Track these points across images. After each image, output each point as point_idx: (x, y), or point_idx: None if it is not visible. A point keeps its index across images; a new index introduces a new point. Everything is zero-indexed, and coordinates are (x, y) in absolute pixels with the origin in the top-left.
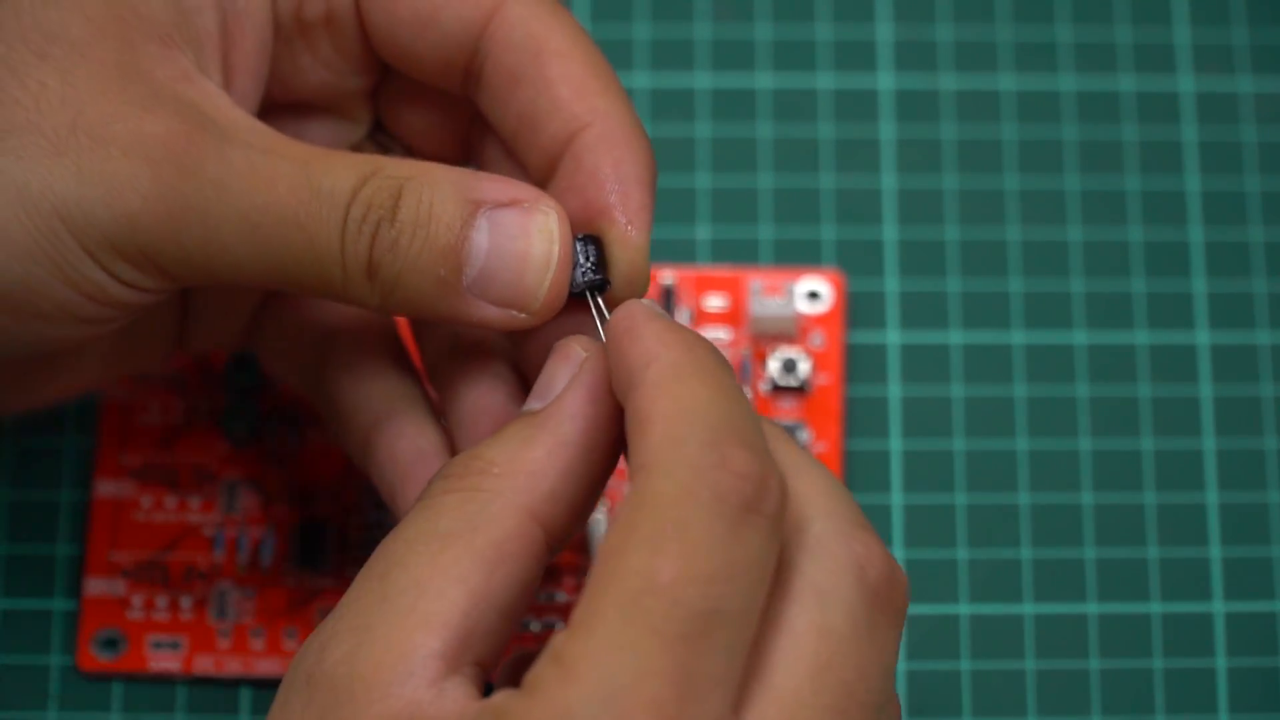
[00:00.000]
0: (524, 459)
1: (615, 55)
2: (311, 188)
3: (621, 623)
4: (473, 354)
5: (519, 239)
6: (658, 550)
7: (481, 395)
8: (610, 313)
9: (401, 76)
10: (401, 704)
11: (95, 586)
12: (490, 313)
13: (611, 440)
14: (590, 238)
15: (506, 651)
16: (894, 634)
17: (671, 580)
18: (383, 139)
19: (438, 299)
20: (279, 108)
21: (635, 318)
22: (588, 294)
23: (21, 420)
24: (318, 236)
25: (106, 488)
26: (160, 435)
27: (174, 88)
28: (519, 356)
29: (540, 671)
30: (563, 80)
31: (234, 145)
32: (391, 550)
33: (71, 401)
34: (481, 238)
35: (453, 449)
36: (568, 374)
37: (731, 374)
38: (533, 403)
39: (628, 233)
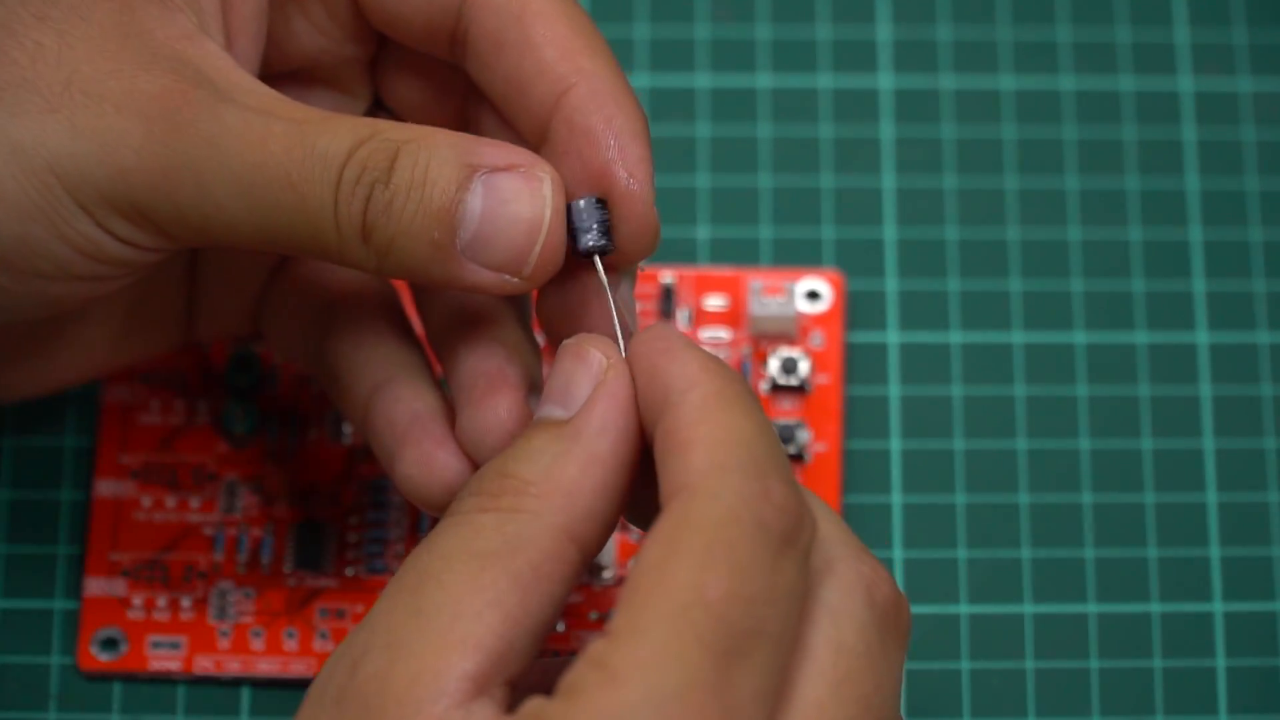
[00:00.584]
0: (560, 478)
1: (615, 55)
2: (305, 147)
3: (669, 633)
4: (472, 320)
5: (512, 203)
6: (707, 567)
7: (480, 360)
8: (608, 281)
9: (397, 48)
10: None
11: (95, 586)
12: (484, 276)
13: (635, 453)
14: (596, 200)
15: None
16: (901, 654)
17: (720, 596)
18: (382, 115)
19: (432, 262)
20: (279, 77)
21: (670, 340)
22: (595, 258)
23: (22, 420)
24: (310, 196)
25: (106, 488)
26: (160, 435)
27: (174, 46)
28: (537, 311)
29: (580, 677)
30: (546, 42)
31: (229, 104)
32: (426, 565)
33: (79, 387)
34: (475, 201)
35: (451, 414)
36: (588, 380)
37: (762, 407)
38: (553, 408)
39: (630, 187)
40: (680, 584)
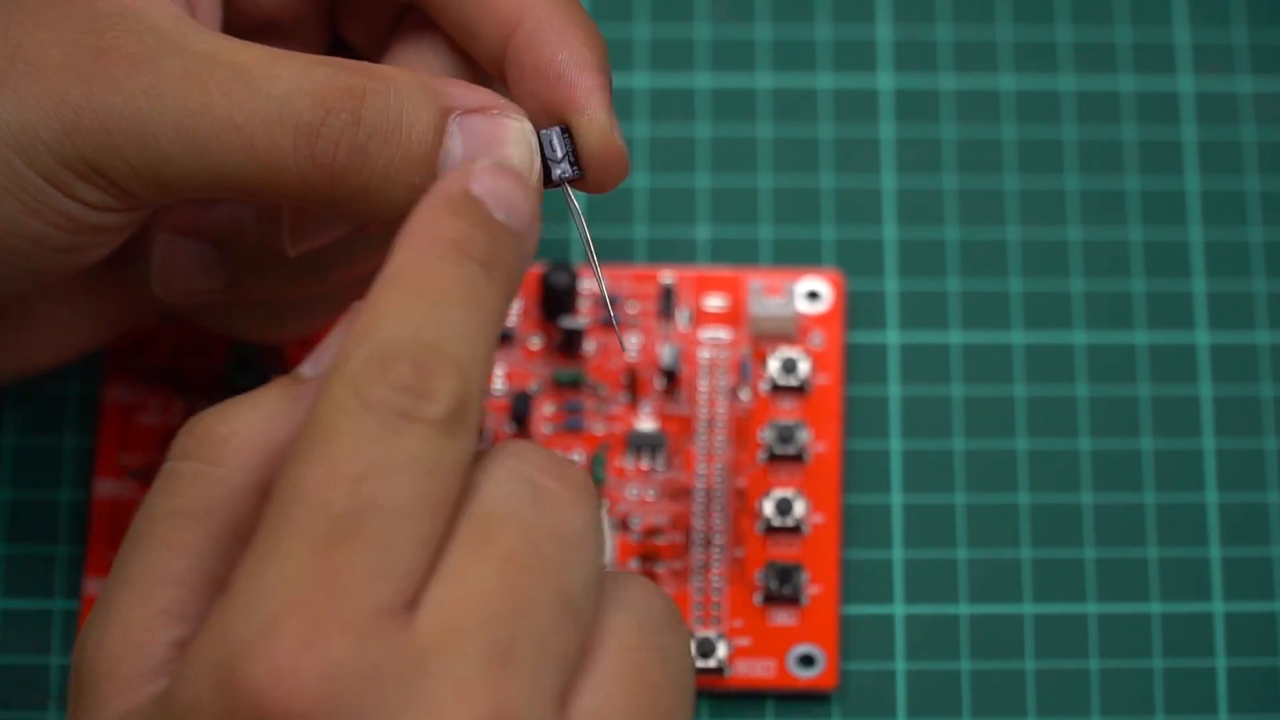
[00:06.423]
0: (269, 437)
1: (615, 55)
2: (249, 88)
3: (272, 536)
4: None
5: (495, 146)
6: (304, 460)
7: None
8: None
9: None
10: (143, 698)
11: (95, 586)
12: None
13: None
14: (562, 129)
15: None
16: (681, 639)
17: (315, 484)
18: (341, 53)
19: (408, 206)
20: (237, 31)
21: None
22: (566, 188)
23: (22, 420)
24: (259, 138)
25: (106, 488)
26: (160, 435)
27: (121, 5)
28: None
29: (212, 608)
30: None
31: (170, 53)
32: (135, 529)
33: (92, 352)
34: (455, 144)
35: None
36: None
37: (481, 308)
38: (307, 366)
39: (587, 119)
40: (282, 485)
